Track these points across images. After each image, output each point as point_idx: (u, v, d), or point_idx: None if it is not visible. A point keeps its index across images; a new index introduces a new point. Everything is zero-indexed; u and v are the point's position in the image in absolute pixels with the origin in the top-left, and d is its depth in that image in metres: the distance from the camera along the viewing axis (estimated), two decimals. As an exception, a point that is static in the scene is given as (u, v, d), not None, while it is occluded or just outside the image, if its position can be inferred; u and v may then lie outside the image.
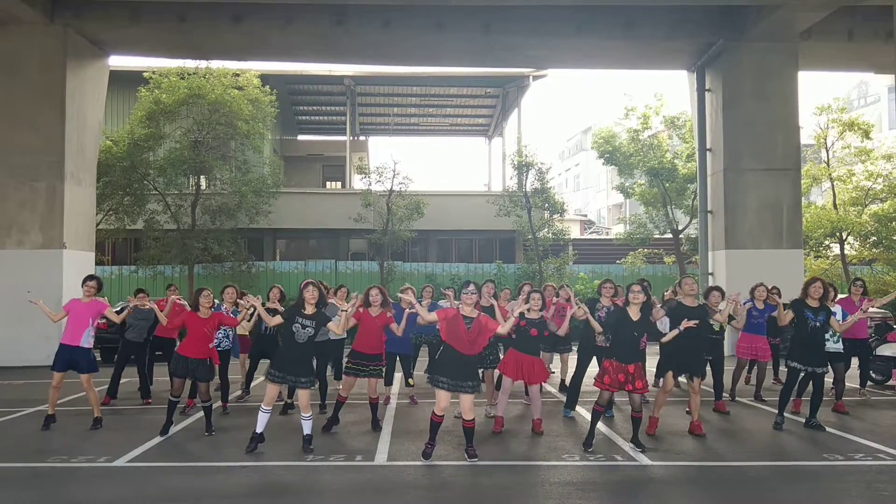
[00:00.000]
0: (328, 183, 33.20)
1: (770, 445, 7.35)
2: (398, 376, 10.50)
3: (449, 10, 15.67)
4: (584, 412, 8.58)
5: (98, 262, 19.20)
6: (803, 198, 19.51)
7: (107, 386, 9.80)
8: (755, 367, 10.43)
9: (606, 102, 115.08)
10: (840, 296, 9.95)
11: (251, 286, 19.20)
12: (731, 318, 8.70)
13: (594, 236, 40.94)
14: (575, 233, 35.97)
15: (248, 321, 7.81)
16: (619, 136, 23.69)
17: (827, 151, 22.66)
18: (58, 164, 15.18)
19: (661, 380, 8.26)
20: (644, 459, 6.63)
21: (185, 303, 8.76)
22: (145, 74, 20.47)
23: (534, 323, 7.67)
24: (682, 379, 8.18)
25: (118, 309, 8.84)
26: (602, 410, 7.08)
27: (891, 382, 11.16)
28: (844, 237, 22.17)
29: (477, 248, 27.84)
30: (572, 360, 9.69)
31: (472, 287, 6.72)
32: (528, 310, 7.55)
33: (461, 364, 6.52)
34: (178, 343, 8.90)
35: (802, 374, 8.07)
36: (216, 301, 8.28)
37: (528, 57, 18.37)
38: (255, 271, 21.99)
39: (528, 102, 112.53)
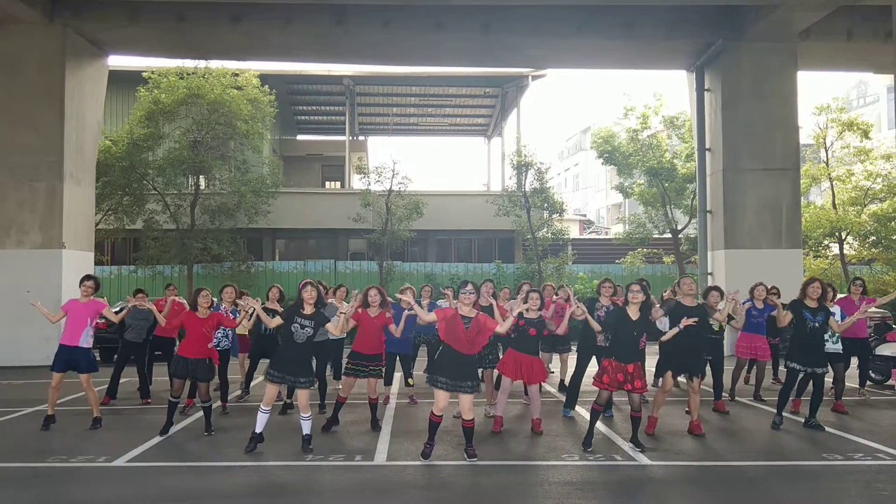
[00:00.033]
0: (327, 183, 33.20)
1: (769, 445, 7.35)
2: (398, 376, 10.51)
3: (449, 9, 15.67)
4: (583, 412, 8.57)
5: (97, 262, 19.20)
6: (802, 198, 19.51)
7: (106, 386, 9.80)
8: (755, 366, 10.44)
9: (606, 102, 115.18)
10: (839, 295, 9.96)
11: (250, 286, 19.20)
12: (730, 317, 8.71)
13: (593, 236, 40.96)
14: (574, 233, 36.00)
15: (248, 320, 7.82)
16: (618, 135, 23.70)
17: (826, 151, 22.66)
18: (57, 164, 15.18)
19: (661, 379, 8.26)
20: (643, 459, 6.63)
21: (185, 301, 8.77)
22: (144, 74, 20.47)
23: (532, 322, 7.67)
24: (681, 379, 8.18)
25: (117, 309, 8.83)
26: (601, 409, 7.08)
27: (890, 382, 11.16)
28: (843, 237, 22.18)
29: (476, 247, 27.86)
30: (571, 359, 9.69)
31: (470, 287, 6.72)
32: (527, 310, 7.55)
33: (460, 364, 6.52)
34: (177, 343, 8.91)
35: (802, 375, 8.07)
36: (215, 301, 8.28)
37: (528, 57, 18.37)
38: (254, 271, 21.99)
39: (527, 102, 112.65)
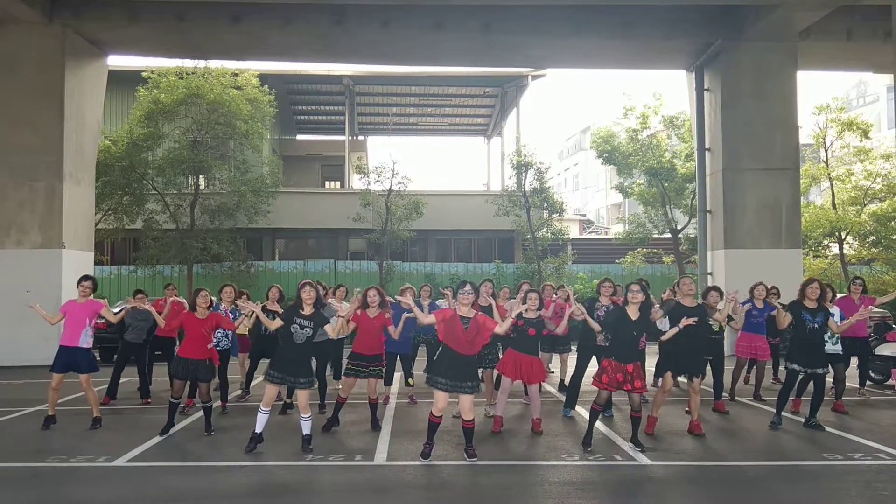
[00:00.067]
0: (327, 183, 33.21)
1: (769, 445, 7.35)
2: (398, 376, 10.51)
3: (448, 9, 15.67)
4: (583, 412, 8.57)
5: (97, 262, 19.19)
6: (802, 197, 19.51)
7: (106, 386, 9.80)
8: (755, 366, 10.44)
9: (605, 102, 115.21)
10: (839, 295, 9.95)
11: (250, 286, 19.20)
12: (729, 318, 8.70)
13: (593, 236, 40.97)
14: (574, 232, 35.98)
15: (248, 318, 7.82)
16: (617, 135, 23.69)
17: (826, 151, 22.66)
18: (57, 163, 15.17)
19: (660, 379, 8.26)
20: (643, 459, 6.63)
21: (185, 301, 8.78)
22: (144, 74, 20.47)
23: (532, 322, 7.67)
24: (681, 379, 8.18)
25: (117, 310, 8.84)
26: (600, 409, 7.08)
27: (890, 382, 11.16)
28: (843, 237, 22.18)
29: (476, 247, 27.86)
30: (571, 359, 9.69)
31: (468, 287, 6.70)
32: (526, 310, 7.55)
33: (460, 364, 6.51)
34: (177, 343, 8.91)
35: (802, 376, 8.07)
36: (214, 300, 8.29)
37: (528, 56, 18.37)
38: (254, 271, 22.00)
39: (526, 102, 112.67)
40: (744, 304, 9.52)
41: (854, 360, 10.03)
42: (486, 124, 33.32)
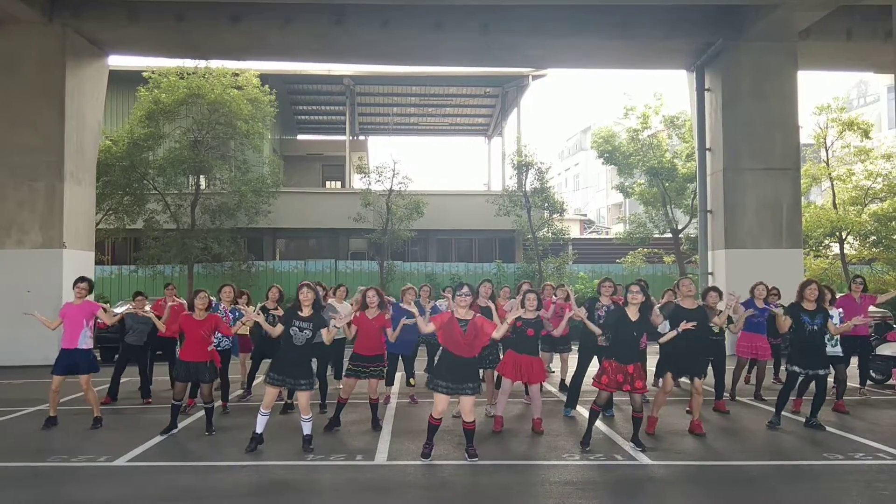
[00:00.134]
0: (328, 182, 33.22)
1: (770, 445, 7.35)
2: (399, 376, 10.51)
3: (448, 9, 15.67)
4: (584, 412, 8.54)
5: (98, 262, 19.20)
6: (803, 197, 19.50)
7: (106, 386, 9.81)
8: (756, 366, 10.43)
9: (606, 102, 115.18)
10: (838, 295, 9.93)
11: (251, 286, 19.22)
12: (729, 319, 8.69)
13: (594, 236, 40.96)
14: (574, 232, 35.97)
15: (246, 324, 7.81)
16: (618, 135, 23.70)
17: (826, 151, 22.66)
18: (57, 163, 15.17)
19: (661, 380, 8.25)
20: (644, 459, 6.63)
21: (184, 302, 8.79)
22: (144, 74, 20.48)
23: (530, 323, 7.66)
24: (683, 379, 8.17)
25: (119, 310, 8.86)
26: (599, 410, 7.07)
27: (891, 382, 11.16)
28: (844, 237, 22.18)
29: (476, 247, 27.85)
30: (572, 359, 9.69)
31: (466, 289, 6.65)
32: (525, 311, 7.55)
33: (460, 367, 6.49)
34: (178, 342, 8.92)
35: (802, 377, 8.06)
36: (213, 301, 8.30)
37: (527, 56, 18.36)
38: (254, 271, 22.00)
39: (527, 102, 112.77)
40: (745, 305, 9.45)
41: (854, 360, 10.02)
42: (487, 124, 33.32)
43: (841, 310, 9.46)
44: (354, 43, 16.54)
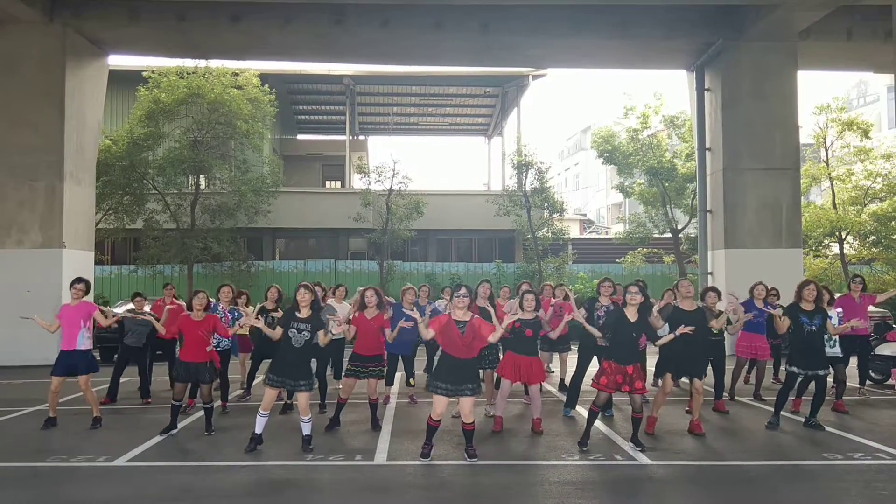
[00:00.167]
0: (328, 182, 33.23)
1: (769, 445, 7.35)
2: (399, 376, 10.50)
3: (448, 9, 15.67)
4: (584, 412, 8.53)
5: (97, 262, 19.19)
6: (802, 197, 19.50)
7: (106, 387, 9.80)
8: (755, 366, 10.43)
9: (606, 102, 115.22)
10: (836, 295, 9.93)
11: (250, 286, 19.22)
12: (728, 321, 8.68)
13: (593, 236, 40.97)
14: (574, 232, 36.00)
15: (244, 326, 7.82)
16: (618, 135, 23.70)
17: (826, 151, 22.65)
18: (57, 163, 15.17)
19: (661, 380, 8.25)
20: (643, 458, 6.63)
21: (183, 303, 8.80)
22: (144, 74, 20.48)
23: (528, 323, 7.65)
24: (683, 379, 8.17)
25: (119, 310, 8.88)
26: (598, 411, 7.06)
27: (890, 381, 11.16)
28: (844, 236, 22.18)
29: (476, 247, 27.86)
30: (571, 359, 9.69)
31: (463, 291, 6.62)
32: (522, 312, 7.54)
33: (459, 368, 6.48)
34: (178, 342, 8.93)
35: (801, 378, 8.06)
36: (212, 301, 8.29)
37: (527, 56, 18.36)
38: (254, 271, 22.01)
39: (527, 102, 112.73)
40: (744, 305, 9.43)
41: (853, 360, 10.02)
42: (487, 124, 33.32)
43: (840, 310, 9.47)
44: (354, 43, 16.54)
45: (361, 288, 8.24)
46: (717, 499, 5.62)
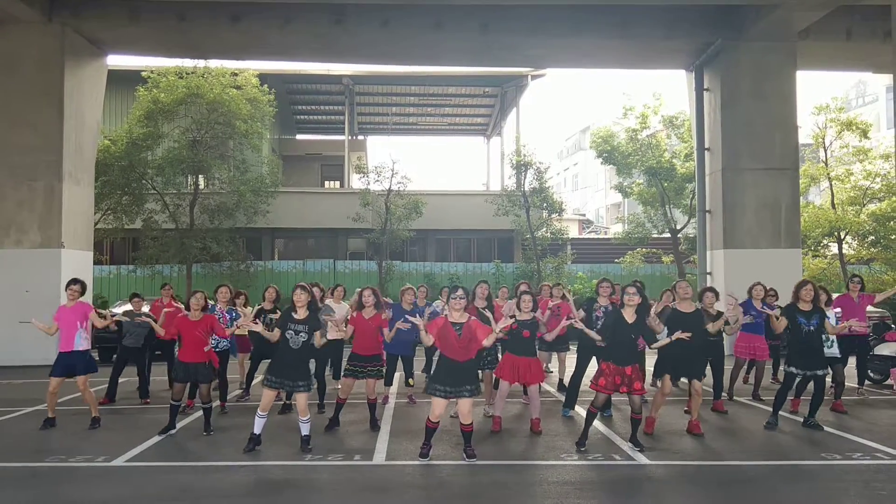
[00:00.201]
0: (326, 182, 33.22)
1: (768, 445, 7.35)
2: (398, 376, 10.50)
3: (447, 9, 15.67)
4: (583, 412, 8.54)
5: (96, 262, 19.18)
6: (801, 197, 19.51)
7: (105, 387, 9.80)
8: (754, 366, 10.43)
9: (605, 102, 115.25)
10: (834, 296, 9.93)
11: (249, 286, 19.22)
12: (727, 322, 8.68)
13: (592, 236, 40.98)
14: (573, 232, 36.02)
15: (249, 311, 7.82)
16: (617, 135, 23.70)
17: (825, 151, 22.66)
18: (56, 163, 15.16)
19: (659, 381, 8.25)
20: (642, 459, 6.63)
21: (181, 305, 8.80)
22: (144, 74, 20.47)
23: (526, 324, 7.64)
24: (683, 380, 8.17)
25: (119, 310, 8.89)
26: (597, 412, 7.06)
27: (889, 382, 11.16)
28: (842, 236, 22.19)
29: (475, 247, 27.87)
30: (570, 359, 9.68)
31: (460, 292, 6.59)
32: (520, 313, 7.53)
33: (457, 371, 6.46)
34: (176, 342, 8.93)
35: (800, 379, 8.06)
36: (210, 302, 8.29)
37: (527, 56, 18.37)
38: (253, 271, 21.99)
39: (526, 102, 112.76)
40: (743, 306, 9.42)
41: (852, 360, 10.02)
42: (486, 124, 33.32)
43: (839, 310, 9.48)
44: (354, 42, 16.54)
45: (359, 289, 8.24)
46: (715, 499, 5.63)
